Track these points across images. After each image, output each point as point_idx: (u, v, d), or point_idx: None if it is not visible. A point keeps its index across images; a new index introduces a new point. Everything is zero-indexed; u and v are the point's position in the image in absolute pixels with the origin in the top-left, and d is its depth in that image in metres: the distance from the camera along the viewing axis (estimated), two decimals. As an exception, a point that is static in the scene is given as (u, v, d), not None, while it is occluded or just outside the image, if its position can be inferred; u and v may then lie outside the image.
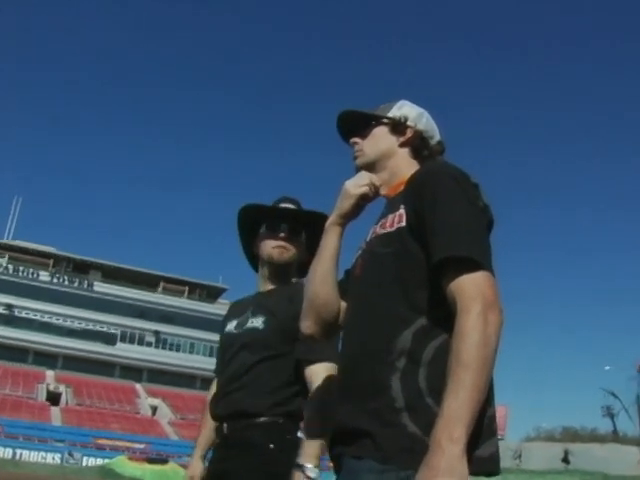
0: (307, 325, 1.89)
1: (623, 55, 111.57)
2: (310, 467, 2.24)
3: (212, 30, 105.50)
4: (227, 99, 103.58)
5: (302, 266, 2.64)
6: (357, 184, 1.81)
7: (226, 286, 68.04)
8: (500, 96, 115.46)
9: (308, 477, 2.25)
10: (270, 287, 2.68)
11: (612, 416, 40.34)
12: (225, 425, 2.53)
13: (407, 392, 1.48)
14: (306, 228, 2.67)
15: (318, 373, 2.35)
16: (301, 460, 2.27)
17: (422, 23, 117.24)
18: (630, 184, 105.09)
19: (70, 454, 37.35)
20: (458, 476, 1.31)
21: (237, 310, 2.74)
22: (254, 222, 2.72)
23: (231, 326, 2.68)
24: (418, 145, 1.89)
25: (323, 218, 2.57)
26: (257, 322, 2.57)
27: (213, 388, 2.81)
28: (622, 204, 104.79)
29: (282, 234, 2.64)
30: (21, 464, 31.17)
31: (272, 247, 2.63)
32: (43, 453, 36.96)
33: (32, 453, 36.21)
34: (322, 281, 1.84)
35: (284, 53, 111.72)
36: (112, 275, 63.44)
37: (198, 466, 2.75)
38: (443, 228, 1.53)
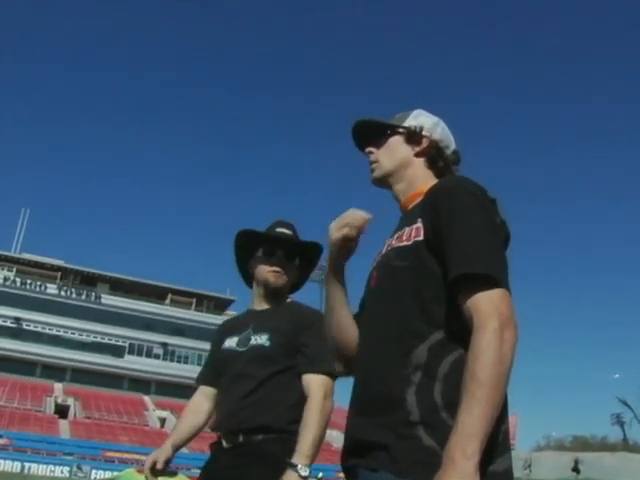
0: (338, 368, 1.97)
1: (620, 52, 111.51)
2: (302, 466, 2.43)
3: (220, 28, 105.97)
4: (244, 109, 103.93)
5: (294, 286, 2.99)
6: (336, 227, 1.82)
7: (234, 297, 67.66)
8: (501, 93, 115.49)
9: (301, 476, 2.42)
10: (266, 306, 2.89)
11: (622, 424, 40.13)
12: (241, 435, 2.64)
13: (422, 406, 1.49)
14: (299, 253, 2.91)
15: (314, 382, 2.64)
16: (294, 459, 2.46)
17: (426, 23, 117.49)
18: None
19: (79, 467, 37.24)
20: None
21: (234, 327, 2.91)
22: (250, 244, 2.93)
23: (231, 342, 2.83)
24: (434, 155, 1.88)
25: (314, 247, 2.93)
26: (262, 339, 2.74)
27: (197, 394, 2.98)
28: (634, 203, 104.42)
29: (277, 260, 2.85)
30: (30, 477, 31.09)
31: (267, 272, 2.85)
32: (52, 466, 36.86)
33: (41, 466, 36.13)
34: (338, 330, 1.89)
35: (291, 52, 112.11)
36: (120, 287, 63.56)
37: (167, 450, 2.81)
38: (459, 244, 1.53)
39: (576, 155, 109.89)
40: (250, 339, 2.76)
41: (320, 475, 38.93)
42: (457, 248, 1.53)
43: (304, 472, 2.42)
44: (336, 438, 54.89)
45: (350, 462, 1.63)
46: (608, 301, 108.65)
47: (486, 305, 1.47)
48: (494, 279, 1.49)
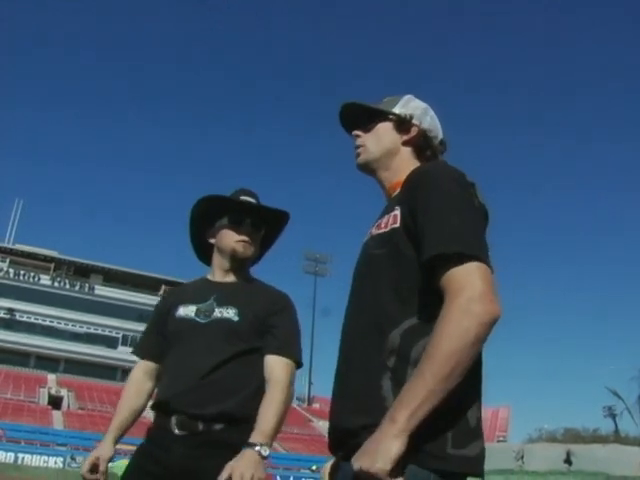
0: None
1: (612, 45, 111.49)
2: (263, 445, 2.26)
3: (215, 18, 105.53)
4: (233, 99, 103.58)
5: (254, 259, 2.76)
6: None
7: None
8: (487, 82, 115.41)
9: (262, 456, 2.25)
10: (229, 278, 2.67)
11: (614, 416, 40.29)
12: (200, 423, 2.42)
13: (398, 391, 1.47)
14: (265, 223, 2.71)
15: (281, 366, 2.48)
16: (254, 438, 2.28)
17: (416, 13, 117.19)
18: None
19: (72, 458, 37.19)
20: (381, 453, 1.33)
21: (188, 296, 2.66)
22: (210, 211, 2.69)
23: (188, 312, 2.59)
24: (421, 144, 1.87)
25: (284, 215, 2.72)
26: (229, 313, 2.54)
27: (139, 371, 2.71)
28: (631, 195, 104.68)
29: (246, 229, 2.64)
30: (23, 468, 31.07)
31: (236, 241, 2.63)
32: (45, 457, 36.83)
33: (34, 457, 36.10)
34: None
35: (282, 40, 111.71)
36: (113, 278, 63.42)
37: (109, 449, 2.58)
38: (436, 226, 1.51)
39: (571, 147, 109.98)
40: (213, 311, 2.54)
41: (314, 467, 39.01)
42: (434, 229, 1.51)
43: (265, 452, 2.25)
44: (329, 429, 55.21)
45: (334, 453, 1.65)
46: (601, 293, 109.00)
47: (458, 279, 1.44)
48: (469, 255, 1.46)
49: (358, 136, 1.91)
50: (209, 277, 2.72)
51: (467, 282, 1.42)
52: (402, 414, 1.35)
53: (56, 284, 59.89)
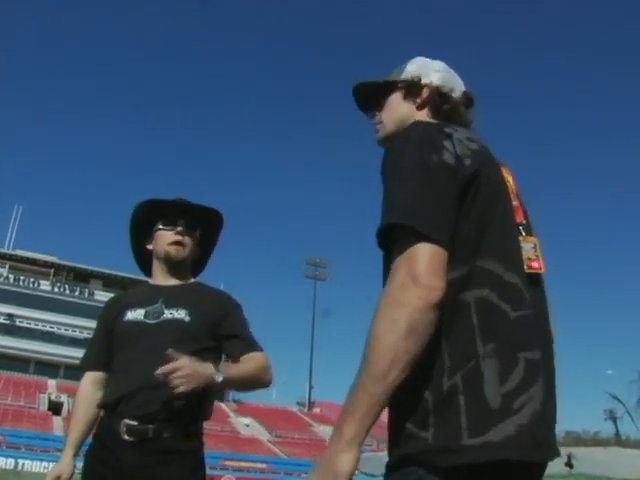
0: None
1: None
2: (220, 375, 2.31)
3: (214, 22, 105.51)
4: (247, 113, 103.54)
5: (197, 266, 2.79)
6: None
7: (228, 293, 67.67)
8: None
9: (213, 379, 2.28)
10: (174, 282, 2.67)
11: (614, 419, 40.27)
12: (150, 429, 2.39)
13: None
14: (200, 224, 2.72)
15: (260, 355, 2.54)
16: (219, 367, 2.34)
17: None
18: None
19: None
20: (333, 473, 1.25)
21: (134, 301, 2.64)
22: (148, 219, 2.70)
23: (136, 315, 2.55)
24: (437, 102, 1.73)
25: (217, 215, 2.74)
26: (179, 314, 2.52)
27: (87, 382, 2.66)
28: (627, 199, 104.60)
29: (179, 229, 2.63)
30: (23, 474, 31.02)
31: (168, 243, 2.63)
32: (45, 463, 36.69)
33: (34, 463, 36.08)
34: None
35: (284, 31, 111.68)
36: (113, 284, 63.33)
37: (70, 467, 2.53)
38: (383, 201, 1.40)
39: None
40: (163, 312, 2.52)
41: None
42: (382, 209, 1.39)
43: (218, 378, 2.29)
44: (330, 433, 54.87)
45: None
46: (601, 296, 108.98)
47: (395, 262, 1.30)
48: (411, 228, 1.30)
49: (374, 114, 1.84)
50: (152, 282, 2.73)
51: (400, 266, 1.29)
52: (348, 424, 1.26)
53: (56, 289, 59.92)
